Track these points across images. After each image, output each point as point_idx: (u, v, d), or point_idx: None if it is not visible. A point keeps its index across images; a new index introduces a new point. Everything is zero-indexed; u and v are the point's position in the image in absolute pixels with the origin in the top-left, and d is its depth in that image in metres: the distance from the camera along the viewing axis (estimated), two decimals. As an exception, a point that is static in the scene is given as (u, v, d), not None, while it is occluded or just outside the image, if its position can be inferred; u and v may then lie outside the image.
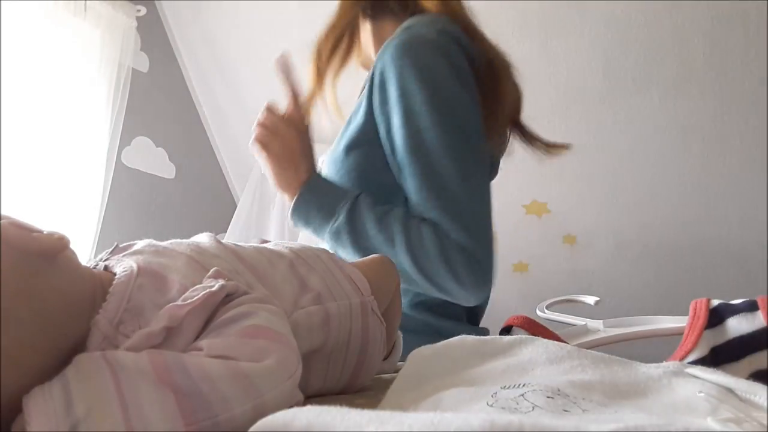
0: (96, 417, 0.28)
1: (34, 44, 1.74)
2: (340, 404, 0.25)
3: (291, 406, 0.28)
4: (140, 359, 0.31)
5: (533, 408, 0.29)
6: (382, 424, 0.22)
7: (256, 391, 0.32)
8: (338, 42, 1.02)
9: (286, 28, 1.97)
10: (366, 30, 1.00)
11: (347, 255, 0.80)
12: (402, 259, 0.76)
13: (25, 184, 1.68)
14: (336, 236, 0.81)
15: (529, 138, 0.99)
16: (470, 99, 0.80)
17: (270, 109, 0.87)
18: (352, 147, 0.87)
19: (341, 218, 0.79)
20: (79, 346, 0.34)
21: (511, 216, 1.32)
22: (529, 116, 1.71)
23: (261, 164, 0.87)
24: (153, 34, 2.19)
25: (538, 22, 1.60)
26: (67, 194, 1.79)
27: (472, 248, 0.74)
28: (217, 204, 2.39)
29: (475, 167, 0.78)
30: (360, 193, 0.81)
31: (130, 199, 2.08)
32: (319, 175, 0.85)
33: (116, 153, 1.97)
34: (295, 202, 0.83)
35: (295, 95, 0.87)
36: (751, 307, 0.47)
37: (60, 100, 1.79)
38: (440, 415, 0.22)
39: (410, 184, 0.78)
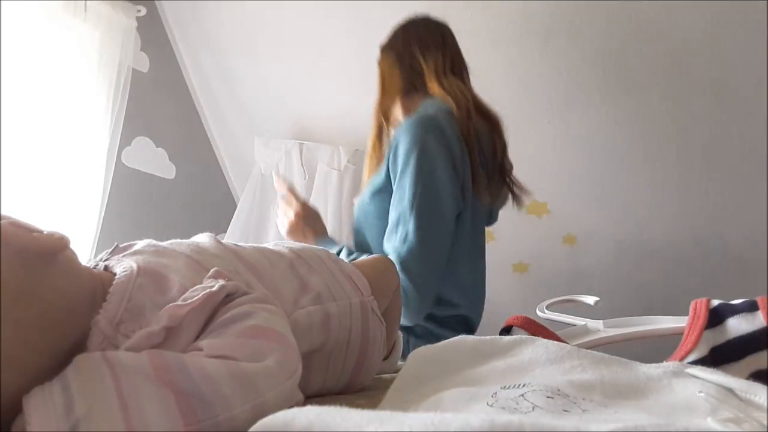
0: (96, 417, 0.28)
1: (33, 44, 1.74)
2: (341, 404, 0.25)
3: (291, 406, 0.28)
4: (140, 359, 0.31)
5: (533, 408, 0.29)
6: (382, 424, 0.22)
7: (256, 391, 0.32)
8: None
9: (286, 28, 1.97)
10: (397, 103, 1.24)
11: None
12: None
13: (25, 184, 1.68)
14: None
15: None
16: (448, 167, 1.02)
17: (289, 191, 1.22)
18: (375, 193, 1.11)
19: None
20: (79, 346, 0.34)
21: (511, 216, 1.33)
22: (529, 116, 1.71)
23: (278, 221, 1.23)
24: (153, 34, 2.19)
25: (538, 22, 1.60)
26: (67, 194, 1.79)
27: (410, 276, 0.97)
28: (217, 204, 2.39)
29: (436, 223, 1.01)
30: (343, 246, 1.09)
31: (130, 199, 2.08)
32: (321, 237, 1.16)
33: (116, 153, 1.97)
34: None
35: (293, 193, 1.22)
36: (751, 307, 0.47)
37: (60, 100, 1.79)
38: (440, 416, 0.22)
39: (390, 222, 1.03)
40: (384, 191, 1.09)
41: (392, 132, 1.19)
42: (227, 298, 0.38)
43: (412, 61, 1.22)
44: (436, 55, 1.21)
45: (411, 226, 0.98)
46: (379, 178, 1.10)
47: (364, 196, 1.16)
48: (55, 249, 0.34)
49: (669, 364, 0.37)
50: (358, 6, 1.75)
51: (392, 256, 0.98)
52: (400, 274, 0.95)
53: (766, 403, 0.29)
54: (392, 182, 1.06)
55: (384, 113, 1.25)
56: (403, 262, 0.97)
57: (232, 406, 0.31)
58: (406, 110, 1.22)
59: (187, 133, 2.33)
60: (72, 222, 1.79)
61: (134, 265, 0.39)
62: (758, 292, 0.52)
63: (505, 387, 0.32)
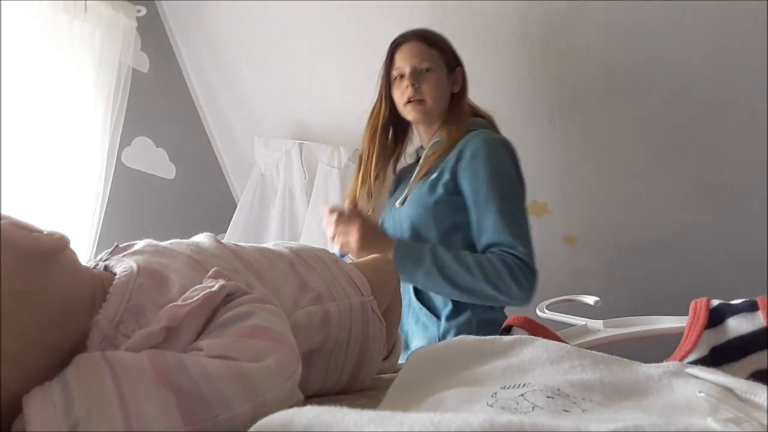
0: (96, 417, 0.28)
1: (33, 44, 1.74)
2: (341, 404, 0.25)
3: (291, 406, 0.28)
4: (140, 359, 0.31)
5: (533, 408, 0.29)
6: (382, 424, 0.22)
7: (256, 391, 0.32)
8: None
9: (285, 28, 1.97)
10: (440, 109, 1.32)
11: (438, 289, 1.15)
12: (479, 278, 1.10)
13: (25, 184, 1.68)
14: (427, 274, 1.13)
15: None
16: (518, 174, 1.25)
17: (332, 213, 1.19)
18: (438, 195, 1.21)
19: (428, 261, 1.13)
20: (79, 346, 0.34)
21: (511, 216, 1.34)
22: (529, 117, 1.71)
23: (339, 247, 1.18)
24: (153, 34, 2.18)
25: (538, 22, 1.60)
26: (67, 194, 1.79)
27: (529, 260, 1.12)
28: (217, 204, 2.39)
29: (522, 213, 1.20)
30: (433, 244, 1.17)
31: (130, 199, 2.08)
32: (399, 239, 1.19)
33: (116, 153, 1.97)
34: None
35: (353, 203, 1.23)
36: (751, 307, 0.47)
37: (60, 101, 1.79)
38: (440, 415, 0.22)
39: (489, 220, 1.16)
40: (447, 193, 1.20)
41: (447, 135, 1.27)
42: (227, 298, 0.38)
43: (459, 75, 1.33)
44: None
45: (517, 215, 1.16)
46: (443, 182, 1.21)
47: (423, 197, 1.23)
48: (55, 249, 0.34)
49: (669, 364, 0.37)
50: (359, 6, 1.75)
51: (516, 243, 1.11)
52: (525, 260, 1.11)
53: (766, 403, 0.29)
54: (466, 184, 1.18)
55: (428, 114, 1.30)
56: (528, 251, 1.13)
57: (232, 406, 0.31)
58: (457, 118, 1.30)
59: (187, 133, 2.33)
60: (72, 222, 1.78)
61: (134, 265, 0.39)
62: (758, 292, 0.52)
63: (505, 387, 0.32)
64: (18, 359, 0.30)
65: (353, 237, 1.14)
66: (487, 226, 1.16)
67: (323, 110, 2.13)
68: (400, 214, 1.27)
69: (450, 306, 1.19)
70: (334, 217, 1.17)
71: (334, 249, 1.16)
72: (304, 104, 2.16)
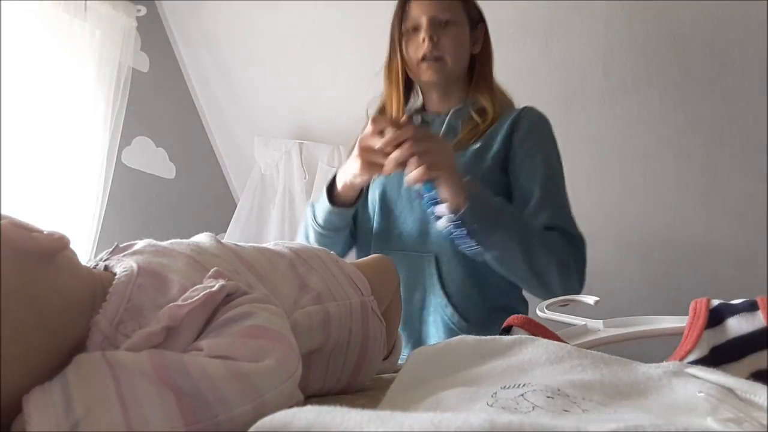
0: (96, 417, 0.28)
1: (33, 44, 1.74)
2: (341, 404, 0.25)
3: (291, 406, 0.28)
4: (140, 359, 0.31)
5: (533, 408, 0.29)
6: (382, 424, 0.22)
7: (256, 391, 0.32)
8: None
9: (285, 28, 1.97)
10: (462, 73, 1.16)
11: (507, 258, 0.95)
12: (553, 262, 0.97)
13: (25, 184, 1.68)
14: (508, 231, 0.93)
15: None
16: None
17: (397, 125, 0.87)
18: (487, 166, 1.06)
19: (512, 217, 0.95)
20: (79, 346, 0.34)
21: (511, 216, 1.33)
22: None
23: (424, 170, 0.86)
24: (153, 34, 2.19)
25: (538, 22, 1.60)
26: (67, 194, 1.79)
27: (582, 240, 1.04)
28: (217, 204, 2.39)
29: (566, 194, 1.08)
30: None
31: (130, 199, 2.08)
32: (472, 178, 0.95)
33: (116, 153, 1.97)
34: (472, 202, 0.90)
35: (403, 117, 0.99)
36: (751, 307, 0.47)
37: (60, 100, 1.79)
38: (440, 415, 0.22)
39: (553, 201, 1.03)
40: (496, 164, 1.06)
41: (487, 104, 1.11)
42: (227, 298, 0.38)
43: (480, 33, 1.16)
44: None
45: (565, 198, 1.05)
46: (492, 152, 1.07)
47: (469, 168, 1.04)
48: (55, 249, 0.34)
49: (669, 364, 0.37)
50: (359, 6, 1.75)
51: (578, 233, 1.03)
52: (578, 244, 1.02)
53: (766, 403, 0.29)
54: (520, 157, 1.05)
55: (447, 76, 1.11)
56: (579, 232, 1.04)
57: (232, 406, 0.31)
58: (488, 85, 1.15)
59: (187, 133, 2.33)
60: (72, 222, 1.78)
61: (134, 265, 0.39)
62: (758, 292, 0.52)
63: (505, 387, 0.32)
64: (18, 359, 0.30)
65: (444, 153, 0.88)
66: (548, 207, 1.01)
67: (323, 110, 2.13)
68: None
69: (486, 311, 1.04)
70: (406, 133, 0.84)
71: (413, 176, 0.85)
72: (304, 104, 2.16)
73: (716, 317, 0.48)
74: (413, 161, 0.84)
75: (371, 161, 0.89)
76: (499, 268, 0.98)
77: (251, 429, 0.25)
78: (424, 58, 1.08)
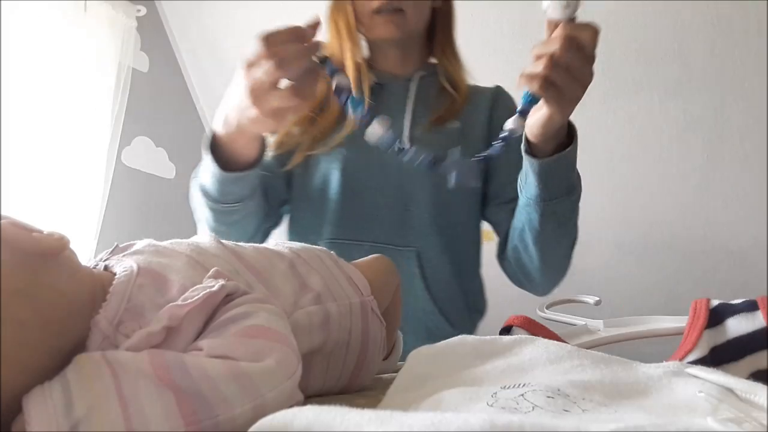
0: (96, 417, 0.28)
1: (33, 44, 1.74)
2: (340, 404, 0.25)
3: (291, 406, 0.28)
4: (140, 359, 0.31)
5: (533, 408, 0.29)
6: (382, 424, 0.22)
7: (256, 391, 0.32)
8: None
9: (286, 28, 1.97)
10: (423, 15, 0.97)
11: (562, 229, 0.83)
12: (573, 240, 0.86)
13: (25, 184, 1.68)
14: (575, 199, 0.80)
15: None
16: None
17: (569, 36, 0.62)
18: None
19: (577, 185, 0.80)
20: (79, 346, 0.34)
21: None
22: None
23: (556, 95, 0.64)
24: (153, 34, 2.19)
25: (538, 21, 1.60)
26: (67, 194, 1.79)
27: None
28: (217, 204, 2.40)
29: None
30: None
31: (130, 199, 2.08)
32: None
33: (116, 153, 1.97)
34: (570, 150, 0.73)
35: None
36: (751, 307, 0.47)
37: (60, 100, 1.79)
38: (440, 415, 0.22)
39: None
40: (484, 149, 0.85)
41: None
42: (227, 298, 0.38)
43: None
44: None
45: None
46: (475, 137, 0.94)
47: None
48: (55, 249, 0.34)
49: (669, 364, 0.37)
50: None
51: None
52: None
53: (766, 403, 0.29)
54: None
55: (408, 33, 0.93)
56: None
57: (233, 406, 0.31)
58: (453, 49, 1.01)
59: (187, 132, 2.33)
60: (72, 222, 1.79)
61: (134, 265, 0.39)
62: (758, 292, 0.52)
63: (505, 387, 0.32)
64: (18, 359, 0.30)
65: (586, 75, 0.64)
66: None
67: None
68: (398, 162, 0.73)
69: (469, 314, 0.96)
70: (555, 45, 0.61)
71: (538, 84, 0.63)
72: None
73: (716, 317, 0.48)
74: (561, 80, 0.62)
75: (274, 108, 0.63)
76: (537, 234, 0.82)
77: (251, 429, 0.25)
78: (379, 11, 0.90)
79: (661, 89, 1.57)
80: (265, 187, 0.91)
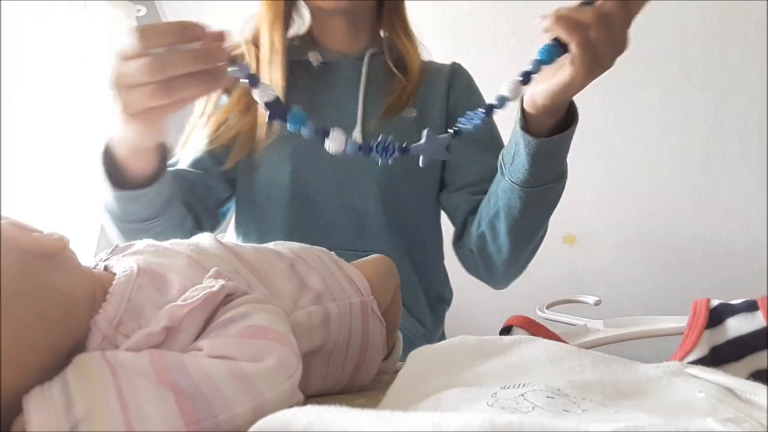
0: (96, 417, 0.28)
1: (33, 44, 1.74)
2: (340, 404, 0.25)
3: (291, 406, 0.28)
4: (140, 359, 0.31)
5: (533, 408, 0.29)
6: (382, 424, 0.22)
7: (256, 391, 0.32)
8: None
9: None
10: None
11: (541, 212, 0.77)
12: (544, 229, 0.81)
13: (25, 185, 1.68)
14: (562, 175, 0.73)
15: None
16: None
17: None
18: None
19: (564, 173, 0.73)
20: (79, 346, 0.34)
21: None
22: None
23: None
24: (153, 34, 2.19)
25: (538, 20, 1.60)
26: (67, 194, 1.79)
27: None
28: (217, 204, 2.40)
29: None
30: None
31: (130, 199, 2.08)
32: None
33: (116, 153, 1.98)
34: (572, 128, 0.66)
35: None
36: (751, 307, 0.47)
37: (60, 100, 1.79)
38: (440, 415, 0.22)
39: (488, 162, 0.82)
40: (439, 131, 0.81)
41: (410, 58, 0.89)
42: (227, 298, 0.38)
43: None
44: None
45: None
46: (436, 115, 0.89)
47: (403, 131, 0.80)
48: (55, 249, 0.34)
49: (669, 364, 0.37)
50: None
51: None
52: None
53: (766, 403, 0.29)
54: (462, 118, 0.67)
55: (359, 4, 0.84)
56: None
57: (233, 406, 0.31)
58: (405, 23, 0.92)
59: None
60: (72, 222, 1.79)
61: (134, 265, 0.39)
62: (758, 292, 0.52)
63: (505, 387, 0.32)
64: (18, 360, 0.30)
65: (625, 41, 0.57)
66: (477, 170, 0.86)
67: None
68: (349, 161, 0.72)
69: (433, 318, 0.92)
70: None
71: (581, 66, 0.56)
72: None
73: (716, 317, 0.48)
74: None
75: (139, 108, 0.54)
76: (516, 213, 0.74)
77: (251, 429, 0.25)
78: None
79: (661, 89, 1.57)
80: (199, 187, 0.84)
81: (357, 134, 0.84)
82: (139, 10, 2.04)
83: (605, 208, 1.76)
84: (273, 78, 0.82)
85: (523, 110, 0.65)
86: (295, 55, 0.88)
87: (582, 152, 1.77)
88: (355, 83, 0.88)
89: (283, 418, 0.24)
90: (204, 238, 0.49)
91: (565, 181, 0.75)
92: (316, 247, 0.58)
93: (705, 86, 1.53)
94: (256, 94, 0.53)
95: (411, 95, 0.87)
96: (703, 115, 1.57)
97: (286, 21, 0.88)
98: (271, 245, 0.55)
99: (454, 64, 0.97)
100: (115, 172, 0.68)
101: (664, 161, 1.66)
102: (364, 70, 0.88)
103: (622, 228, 1.76)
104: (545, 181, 0.70)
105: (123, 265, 0.39)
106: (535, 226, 0.79)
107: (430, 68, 0.93)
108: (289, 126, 0.54)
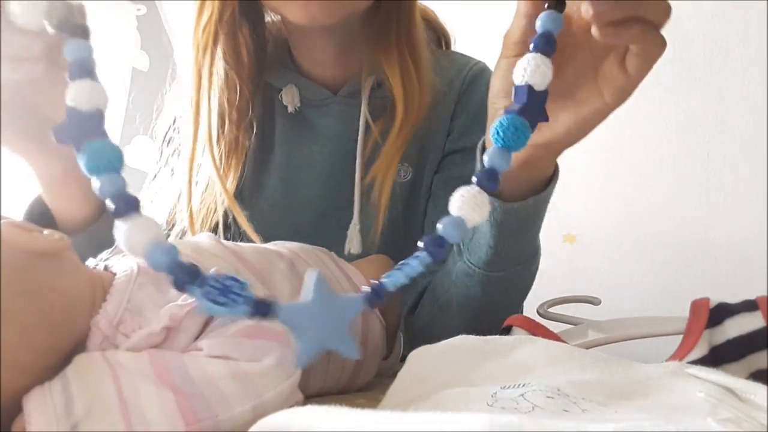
0: (96, 417, 0.28)
1: (34, 44, 1.74)
2: (340, 404, 0.25)
3: (291, 406, 0.28)
4: (140, 359, 0.31)
5: (533, 408, 0.29)
6: (382, 424, 0.22)
7: (255, 391, 0.32)
8: None
9: (286, 28, 1.97)
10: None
11: (521, 278, 0.60)
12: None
13: (25, 184, 1.68)
14: (536, 252, 0.59)
15: None
16: None
17: None
18: (426, 190, 0.68)
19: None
20: (79, 346, 0.34)
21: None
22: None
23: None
24: (153, 33, 2.19)
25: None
26: (67, 194, 1.79)
27: None
28: (217, 204, 2.40)
29: None
30: None
31: (130, 199, 2.08)
32: None
33: (116, 153, 1.98)
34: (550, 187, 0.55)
35: None
36: (750, 307, 0.47)
37: (60, 100, 1.80)
38: (440, 415, 0.22)
39: None
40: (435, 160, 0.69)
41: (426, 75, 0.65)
42: (227, 298, 0.38)
43: None
44: None
45: None
46: (436, 139, 0.69)
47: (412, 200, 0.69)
48: (55, 249, 0.34)
49: (669, 364, 0.37)
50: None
51: None
52: None
53: (766, 403, 0.29)
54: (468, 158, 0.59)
55: (346, 18, 0.57)
56: None
57: (233, 406, 0.31)
58: (414, 40, 0.65)
59: (187, 132, 2.33)
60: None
61: (135, 265, 0.39)
62: (758, 292, 0.52)
63: (505, 387, 0.32)
64: (18, 359, 0.30)
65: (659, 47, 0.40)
66: None
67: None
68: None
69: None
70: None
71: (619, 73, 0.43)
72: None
73: (716, 317, 0.48)
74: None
75: None
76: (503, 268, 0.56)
77: (251, 429, 0.25)
78: None
79: (661, 89, 1.57)
80: None
81: (355, 240, 0.65)
82: (139, 9, 2.04)
83: (605, 208, 1.76)
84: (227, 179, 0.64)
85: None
86: (265, 85, 0.67)
87: (582, 151, 1.77)
88: (347, 136, 0.67)
89: (283, 418, 0.24)
90: (204, 238, 0.49)
91: (539, 261, 0.59)
92: (316, 247, 0.58)
93: (705, 86, 1.53)
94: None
95: (403, 141, 0.65)
96: (704, 116, 1.56)
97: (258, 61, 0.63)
98: (271, 245, 0.55)
99: (472, 68, 0.72)
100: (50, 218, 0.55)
101: (665, 161, 1.66)
102: (362, 119, 0.65)
103: (622, 227, 1.76)
104: (515, 262, 0.54)
105: (123, 265, 0.39)
106: (500, 317, 0.53)
107: (438, 83, 0.68)
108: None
